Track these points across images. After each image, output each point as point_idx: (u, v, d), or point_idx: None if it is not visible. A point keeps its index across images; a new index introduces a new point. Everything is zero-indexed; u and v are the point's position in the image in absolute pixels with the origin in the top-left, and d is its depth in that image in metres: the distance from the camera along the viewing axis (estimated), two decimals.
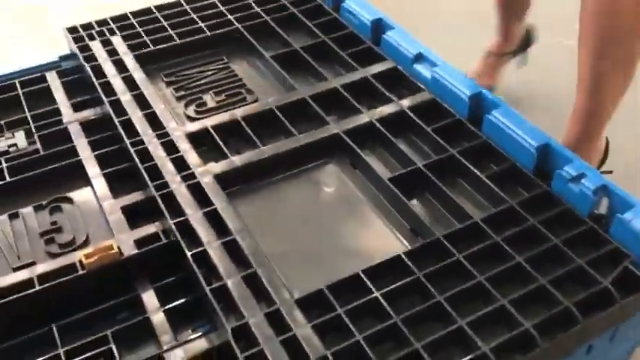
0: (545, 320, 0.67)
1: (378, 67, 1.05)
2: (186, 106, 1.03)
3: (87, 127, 1.02)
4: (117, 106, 0.99)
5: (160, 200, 0.82)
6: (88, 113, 1.05)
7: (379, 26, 1.12)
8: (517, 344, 0.65)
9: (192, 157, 0.89)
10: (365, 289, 0.70)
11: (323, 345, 0.65)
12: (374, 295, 0.69)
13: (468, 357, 0.63)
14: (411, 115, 0.95)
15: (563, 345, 0.68)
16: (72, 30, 1.16)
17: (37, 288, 0.77)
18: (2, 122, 1.04)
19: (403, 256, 0.74)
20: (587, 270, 0.72)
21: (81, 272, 0.78)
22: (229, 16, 1.20)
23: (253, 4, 1.23)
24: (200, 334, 0.73)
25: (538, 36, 1.48)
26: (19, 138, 1.01)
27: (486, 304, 0.68)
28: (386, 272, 0.72)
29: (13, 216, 0.90)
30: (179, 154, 0.89)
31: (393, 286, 0.70)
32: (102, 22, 1.19)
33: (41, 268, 0.79)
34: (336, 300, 0.69)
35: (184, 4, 1.24)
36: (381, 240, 0.81)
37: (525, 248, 0.75)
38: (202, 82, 1.09)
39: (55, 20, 1.69)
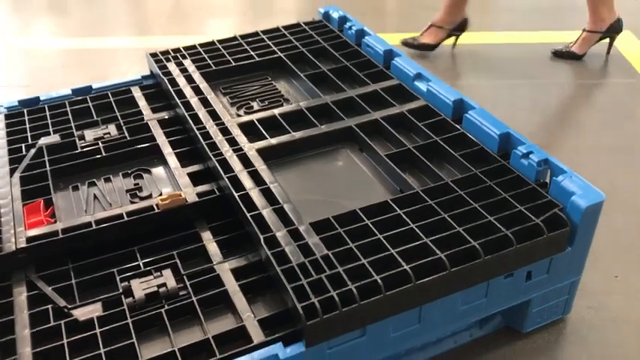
0: (487, 241, 0.92)
1: (386, 84, 1.35)
2: (238, 109, 1.35)
3: (162, 123, 1.34)
4: (186, 105, 1.31)
5: (216, 163, 1.12)
6: (162, 114, 1.37)
7: (389, 55, 1.43)
8: (466, 255, 0.91)
9: (241, 138, 1.19)
10: (360, 219, 0.97)
11: (326, 248, 0.92)
12: (365, 222, 0.96)
13: (428, 259, 0.89)
14: (408, 115, 1.24)
15: (501, 261, 0.92)
16: (153, 55, 1.51)
17: (125, 219, 1.07)
18: (99, 119, 1.37)
19: (389, 201, 1.01)
20: (525, 213, 0.97)
21: (157, 211, 1.08)
22: (274, 47, 1.53)
23: (293, 39, 1.57)
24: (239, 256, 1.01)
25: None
26: (111, 129, 1.33)
27: (446, 231, 0.94)
28: (376, 210, 0.99)
29: (107, 180, 1.21)
30: (231, 136, 1.20)
31: (380, 218, 0.97)
32: (176, 50, 1.54)
33: (128, 207, 1.09)
34: (339, 225, 0.96)
35: (239, 38, 1.58)
36: (377, 195, 1.08)
37: (482, 199, 1.01)
38: (250, 93, 1.41)
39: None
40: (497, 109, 1.49)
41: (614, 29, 1.97)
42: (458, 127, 1.19)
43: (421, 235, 0.94)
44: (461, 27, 2.07)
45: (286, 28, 1.63)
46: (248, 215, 0.99)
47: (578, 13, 2.39)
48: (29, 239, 1.03)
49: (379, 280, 0.86)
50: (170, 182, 1.19)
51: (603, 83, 1.91)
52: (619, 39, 2.13)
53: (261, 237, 0.94)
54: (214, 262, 1.01)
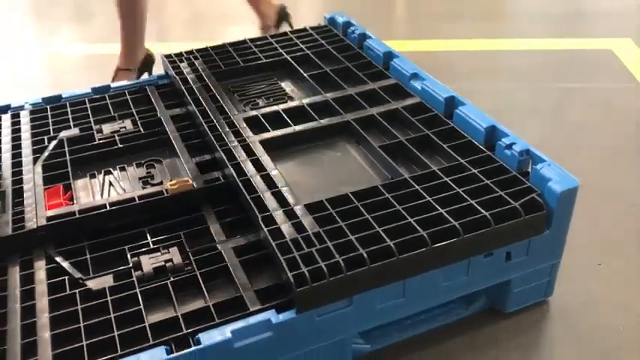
0: (467, 221, 1.00)
1: (384, 83, 1.44)
2: (245, 105, 1.44)
3: (174, 118, 1.44)
4: (196, 101, 1.40)
5: (222, 153, 1.20)
6: (175, 111, 1.47)
7: (389, 56, 1.51)
8: (446, 234, 0.98)
9: (246, 131, 1.28)
10: (351, 202, 1.06)
11: (318, 226, 1.00)
12: (355, 204, 1.04)
13: (411, 236, 0.97)
14: (402, 111, 1.32)
15: (480, 240, 1.00)
16: (167, 56, 1.62)
17: (137, 202, 1.16)
18: (116, 114, 1.47)
19: (379, 186, 1.09)
20: (505, 198, 1.04)
21: (166, 195, 1.17)
22: (280, 50, 1.63)
23: (299, 43, 1.66)
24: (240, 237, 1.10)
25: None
26: (127, 123, 1.43)
27: (429, 212, 1.02)
28: (366, 194, 1.07)
29: (122, 169, 1.31)
30: (237, 128, 1.29)
31: (369, 200, 1.05)
32: (189, 52, 1.64)
33: (140, 192, 1.19)
34: (331, 207, 1.04)
35: (248, 42, 1.68)
36: (369, 182, 1.16)
37: (465, 185, 1.08)
38: (257, 92, 1.50)
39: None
40: (501, 112, 1.54)
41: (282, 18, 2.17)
42: (449, 121, 1.27)
43: (406, 215, 1.01)
44: (147, 63, 2.01)
45: (293, 32, 1.73)
46: (248, 197, 1.07)
47: (586, 19, 2.46)
48: (49, 218, 1.13)
49: (365, 254, 0.94)
50: (179, 171, 1.28)
51: (601, 87, 1.97)
52: (619, 46, 2.19)
53: (259, 216, 1.03)
54: (217, 241, 1.09)
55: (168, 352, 0.88)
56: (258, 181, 1.12)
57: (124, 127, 1.41)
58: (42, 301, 0.99)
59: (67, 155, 1.32)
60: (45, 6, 2.89)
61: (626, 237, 1.34)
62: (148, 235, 1.12)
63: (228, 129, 1.29)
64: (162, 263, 1.05)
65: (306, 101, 1.38)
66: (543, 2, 2.67)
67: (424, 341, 1.11)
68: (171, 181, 1.22)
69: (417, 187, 1.08)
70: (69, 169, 1.28)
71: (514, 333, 1.13)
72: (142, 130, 1.40)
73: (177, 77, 1.51)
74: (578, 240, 1.30)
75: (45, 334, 0.93)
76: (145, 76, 1.94)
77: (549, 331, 1.13)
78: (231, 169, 1.15)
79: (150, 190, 1.19)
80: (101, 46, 2.44)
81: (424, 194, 1.06)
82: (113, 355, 0.88)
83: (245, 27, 2.53)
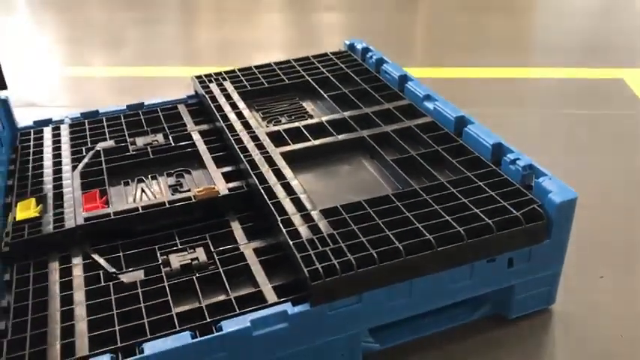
0: (471, 228, 1.07)
1: (398, 103, 1.53)
2: (268, 122, 1.55)
3: (203, 133, 1.54)
4: (224, 117, 1.51)
5: (246, 164, 1.30)
6: (203, 126, 1.58)
7: (404, 79, 1.61)
8: (451, 238, 1.06)
9: (268, 144, 1.38)
10: (363, 208, 1.14)
11: (332, 229, 1.08)
12: (367, 211, 1.13)
13: (418, 239, 1.05)
14: (415, 129, 1.41)
15: (482, 245, 1.07)
16: (197, 77, 1.73)
17: (167, 206, 1.26)
18: (149, 129, 1.59)
19: (390, 195, 1.17)
20: (507, 208, 1.12)
21: (193, 201, 1.27)
22: (302, 72, 1.74)
23: (320, 66, 1.77)
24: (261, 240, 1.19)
25: None
26: (159, 137, 1.54)
27: (436, 219, 1.10)
28: (378, 202, 1.16)
29: (153, 177, 1.42)
30: (260, 142, 1.39)
31: (380, 207, 1.14)
32: (217, 74, 1.76)
33: (170, 197, 1.29)
34: (345, 212, 1.13)
35: (273, 65, 1.80)
36: (381, 193, 1.24)
37: (470, 196, 1.16)
38: (280, 110, 1.61)
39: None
40: (511, 135, 1.61)
41: None
42: (458, 139, 1.35)
43: (414, 221, 1.10)
44: None
45: (315, 57, 1.84)
46: (269, 202, 1.16)
47: (600, 51, 2.54)
48: (86, 219, 1.23)
49: (374, 254, 1.02)
50: (206, 181, 1.38)
51: (612, 114, 2.04)
52: (631, 76, 2.27)
53: (279, 218, 1.12)
54: (239, 243, 1.18)
55: (193, 337, 0.96)
56: (278, 189, 1.21)
57: (156, 141, 1.52)
58: (79, 292, 1.09)
59: (103, 164, 1.43)
60: (77, 32, 3.06)
61: (627, 251, 1.40)
62: (176, 237, 1.22)
63: (252, 142, 1.39)
64: (189, 261, 1.14)
65: (325, 119, 1.48)
66: (558, 36, 2.75)
67: (430, 343, 1.18)
68: (198, 188, 1.32)
69: (425, 196, 1.16)
70: (105, 176, 1.39)
71: (516, 338, 1.19)
72: (172, 143, 1.51)
73: (206, 96, 1.62)
74: (581, 253, 1.36)
75: (82, 320, 1.02)
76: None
77: (551, 337, 1.19)
78: (255, 178, 1.25)
79: (179, 196, 1.29)
80: (130, 69, 2.58)
81: (432, 203, 1.14)
82: (143, 339, 0.97)
83: (270, 53, 2.66)
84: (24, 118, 1.67)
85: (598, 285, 1.31)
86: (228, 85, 1.69)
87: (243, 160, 1.32)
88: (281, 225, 1.10)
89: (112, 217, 1.23)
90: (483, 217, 1.10)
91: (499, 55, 2.56)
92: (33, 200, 1.31)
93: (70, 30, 3.09)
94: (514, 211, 1.11)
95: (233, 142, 1.39)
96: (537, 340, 1.19)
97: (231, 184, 1.32)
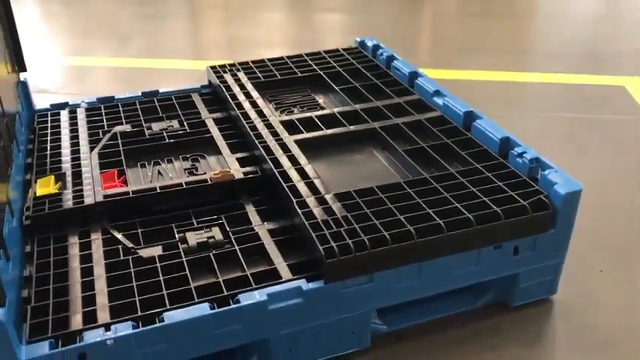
0: (480, 214, 1.11)
1: (408, 98, 1.57)
2: (281, 113, 1.59)
3: (217, 120, 1.58)
4: (239, 106, 1.55)
5: (262, 150, 1.34)
6: (218, 114, 1.62)
7: (414, 75, 1.65)
8: (460, 224, 1.10)
9: (282, 132, 1.42)
10: (376, 194, 1.18)
11: (346, 211, 1.12)
12: (380, 196, 1.17)
13: (429, 223, 1.09)
14: (425, 122, 1.45)
15: (490, 232, 1.11)
16: (212, 67, 1.77)
17: (184, 187, 1.30)
18: (164, 115, 1.62)
19: (402, 183, 1.22)
20: (515, 197, 1.16)
21: (209, 183, 1.31)
22: (314, 66, 1.78)
23: (331, 61, 1.81)
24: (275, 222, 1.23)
25: None
26: (174, 123, 1.58)
27: (446, 205, 1.14)
28: (390, 188, 1.20)
29: (169, 161, 1.45)
30: (274, 129, 1.43)
31: (392, 193, 1.18)
32: (232, 65, 1.80)
33: (186, 179, 1.32)
34: (358, 197, 1.17)
35: (286, 58, 1.84)
36: (392, 180, 1.28)
37: (479, 186, 1.20)
38: (292, 101, 1.65)
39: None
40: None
41: None
42: (467, 133, 1.40)
43: (425, 207, 1.14)
44: None
45: (327, 52, 1.88)
46: (285, 185, 1.20)
47: (602, 59, 2.59)
48: (105, 196, 1.26)
49: (387, 235, 1.06)
50: (220, 166, 1.42)
51: (613, 119, 2.09)
52: (632, 83, 2.32)
53: (294, 200, 1.16)
54: (254, 224, 1.22)
55: (211, 308, 1.00)
56: (293, 173, 1.25)
57: (172, 126, 1.56)
58: (99, 264, 1.12)
59: (121, 146, 1.46)
60: (86, 24, 3.10)
61: (627, 248, 1.45)
62: (192, 217, 1.26)
63: (266, 130, 1.43)
64: (205, 239, 1.18)
65: (337, 110, 1.53)
66: (561, 42, 2.81)
67: (435, 327, 1.22)
68: (214, 171, 1.36)
69: (435, 184, 1.21)
70: (122, 157, 1.42)
71: (517, 324, 1.23)
72: (187, 129, 1.54)
73: (221, 85, 1.66)
74: (583, 248, 1.41)
75: (103, 291, 1.06)
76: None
77: (552, 325, 1.24)
78: (270, 162, 1.29)
79: (195, 178, 1.33)
80: (138, 60, 2.62)
81: (442, 191, 1.19)
82: (163, 309, 1.00)
83: (274, 51, 2.70)
84: (37, 103, 1.70)
85: (598, 279, 1.36)
86: (242, 75, 1.73)
87: (259, 146, 1.36)
88: (297, 207, 1.14)
89: (131, 195, 1.27)
90: (492, 204, 1.14)
91: (501, 59, 2.60)
92: (52, 177, 1.34)
93: (78, 22, 3.13)
94: (521, 201, 1.15)
95: (248, 128, 1.43)
96: (538, 327, 1.23)
97: (246, 169, 1.36)
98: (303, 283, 1.04)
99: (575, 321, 1.24)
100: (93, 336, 0.95)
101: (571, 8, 3.34)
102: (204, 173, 1.38)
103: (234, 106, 1.55)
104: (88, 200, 1.26)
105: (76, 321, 1.00)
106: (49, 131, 1.55)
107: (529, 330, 1.23)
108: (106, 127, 1.57)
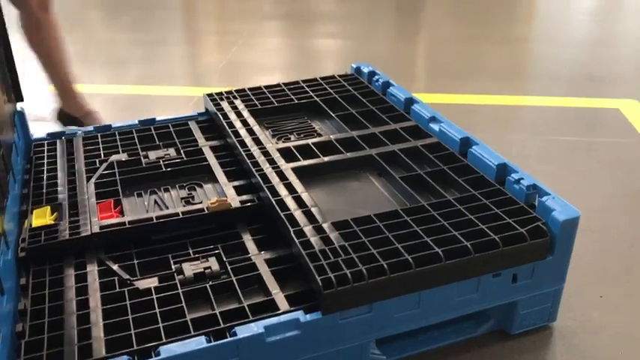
0: (478, 242, 1.11)
1: (405, 124, 1.58)
2: (278, 139, 1.59)
3: (213, 148, 1.58)
4: (236, 133, 1.55)
5: (258, 178, 1.34)
6: (214, 142, 1.62)
7: (410, 102, 1.66)
8: (459, 252, 1.09)
9: (279, 159, 1.42)
10: (373, 222, 1.18)
11: (343, 240, 1.12)
12: (377, 224, 1.17)
13: (427, 252, 1.08)
14: (422, 149, 1.45)
15: (489, 260, 1.11)
16: (209, 95, 1.78)
17: (180, 217, 1.29)
18: (161, 143, 1.62)
19: (399, 210, 1.21)
20: (512, 224, 1.16)
21: (206, 212, 1.30)
22: (311, 93, 1.79)
23: (327, 88, 1.82)
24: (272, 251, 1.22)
25: None
26: (171, 151, 1.58)
27: (444, 233, 1.14)
28: (387, 216, 1.19)
29: (166, 190, 1.45)
30: (271, 157, 1.43)
31: (389, 221, 1.17)
32: (229, 92, 1.80)
33: (183, 208, 1.32)
34: (355, 225, 1.17)
35: (282, 85, 1.85)
36: (389, 208, 1.28)
37: (477, 213, 1.20)
38: (289, 128, 1.65)
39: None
40: (510, 159, 1.67)
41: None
42: (463, 159, 1.40)
43: (423, 235, 1.13)
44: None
45: (323, 79, 1.89)
46: (282, 214, 1.20)
47: (597, 82, 2.61)
48: (102, 227, 1.26)
49: (385, 265, 1.05)
50: (218, 194, 1.42)
51: (609, 142, 2.10)
52: (626, 106, 2.33)
53: (292, 230, 1.15)
54: (251, 254, 1.22)
55: (208, 341, 0.99)
56: (290, 201, 1.25)
57: (168, 154, 1.56)
58: (94, 297, 1.11)
59: (117, 175, 1.46)
60: (83, 51, 3.11)
61: (627, 273, 1.44)
62: (189, 246, 1.25)
63: (263, 157, 1.42)
64: (202, 270, 1.17)
65: (333, 137, 1.53)
66: (557, 66, 2.83)
67: (434, 356, 1.20)
68: (210, 200, 1.35)
69: (433, 212, 1.20)
70: (119, 187, 1.42)
71: (518, 352, 1.22)
72: (184, 157, 1.54)
73: (218, 113, 1.66)
74: (582, 274, 1.40)
75: (98, 323, 1.05)
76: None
77: (551, 353, 1.22)
78: (267, 190, 1.28)
79: (192, 207, 1.33)
80: (137, 87, 2.63)
81: (439, 218, 1.18)
82: (159, 342, 0.99)
83: (275, 76, 2.72)
84: (34, 131, 1.70)
85: (598, 305, 1.35)
86: (238, 103, 1.74)
87: (255, 173, 1.36)
88: (294, 236, 1.13)
89: (127, 225, 1.26)
90: (490, 232, 1.13)
91: (498, 84, 2.62)
92: (48, 208, 1.34)
93: (77, 50, 3.14)
94: (519, 228, 1.14)
95: (245, 156, 1.43)
96: (537, 355, 1.22)
97: (242, 197, 1.35)
98: (300, 315, 1.03)
99: (575, 348, 1.23)
100: None
101: (565, 31, 3.37)
102: (201, 202, 1.38)
103: (230, 133, 1.55)
104: (85, 231, 1.25)
105: (71, 355, 0.99)
106: (45, 161, 1.55)
107: (529, 356, 1.21)
108: (102, 155, 1.57)
